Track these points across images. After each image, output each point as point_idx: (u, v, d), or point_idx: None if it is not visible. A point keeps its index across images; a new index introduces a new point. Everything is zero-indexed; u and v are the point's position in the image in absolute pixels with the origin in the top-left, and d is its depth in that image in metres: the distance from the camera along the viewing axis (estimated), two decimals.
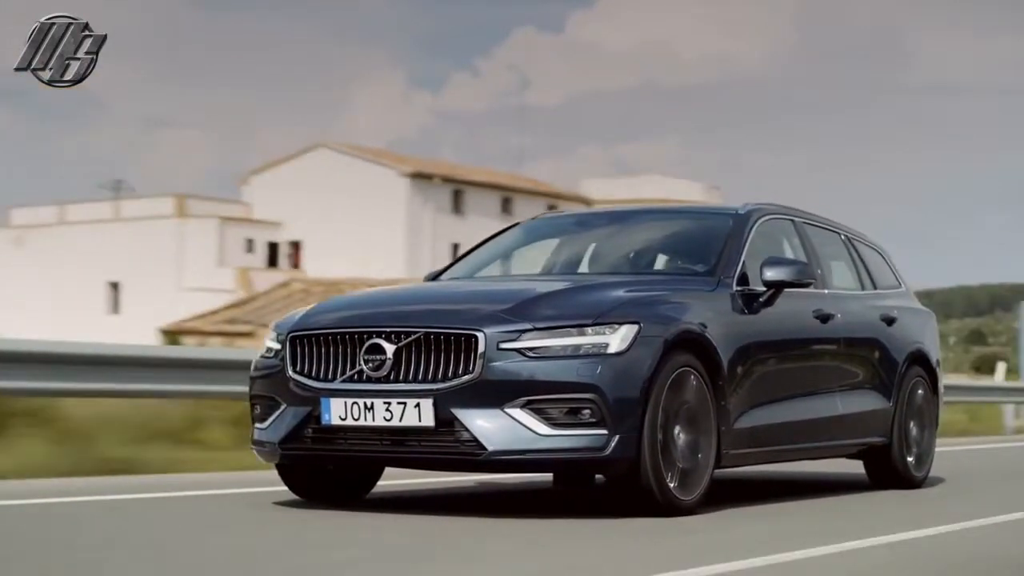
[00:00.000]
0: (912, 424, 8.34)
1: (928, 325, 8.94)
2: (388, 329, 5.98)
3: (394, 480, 7.48)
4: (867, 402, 7.91)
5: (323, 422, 6.04)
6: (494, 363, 5.81)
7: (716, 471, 6.43)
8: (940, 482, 8.88)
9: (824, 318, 7.51)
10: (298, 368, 6.18)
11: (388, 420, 5.90)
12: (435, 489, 7.69)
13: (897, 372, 8.18)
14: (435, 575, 4.60)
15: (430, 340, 5.90)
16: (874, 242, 8.98)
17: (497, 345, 5.83)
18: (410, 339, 5.92)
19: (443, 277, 7.61)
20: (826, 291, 7.74)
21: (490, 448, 5.78)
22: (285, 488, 6.69)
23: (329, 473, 6.63)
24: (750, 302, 6.86)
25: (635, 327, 5.96)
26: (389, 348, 5.92)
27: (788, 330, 7.16)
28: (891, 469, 8.21)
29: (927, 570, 5.08)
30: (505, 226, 8.19)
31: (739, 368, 6.57)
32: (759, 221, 7.38)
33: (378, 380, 5.93)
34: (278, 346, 6.36)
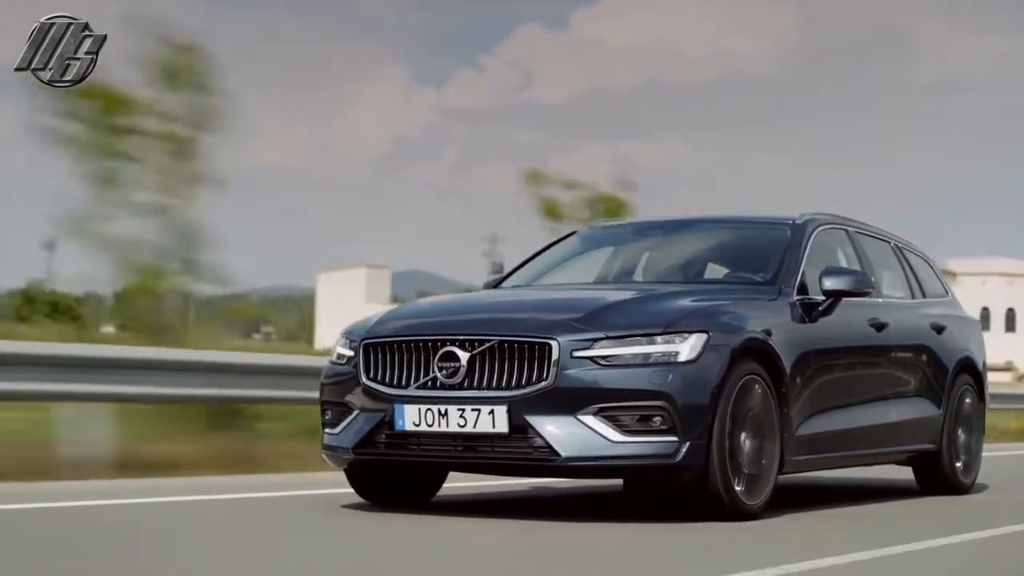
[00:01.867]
0: (960, 431, 8.45)
1: (974, 333, 9.05)
2: (462, 337, 6.10)
3: (457, 484, 7.59)
4: (919, 409, 8.03)
5: (396, 428, 6.17)
6: (567, 371, 5.94)
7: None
8: (984, 488, 8.98)
9: (879, 327, 7.63)
10: (371, 375, 6.30)
11: (462, 426, 6.02)
12: (501, 493, 7.81)
13: (947, 380, 8.30)
14: None
15: (504, 348, 6.02)
16: (921, 250, 9.10)
17: (570, 353, 5.96)
18: (484, 347, 6.04)
19: (504, 285, 7.73)
20: (880, 300, 7.85)
21: (563, 454, 5.91)
22: (348, 491, 6.81)
23: (397, 478, 6.75)
24: (810, 311, 6.98)
25: (704, 336, 6.09)
26: (463, 356, 6.05)
27: (846, 338, 7.28)
28: (940, 475, 8.33)
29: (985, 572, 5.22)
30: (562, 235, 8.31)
31: (801, 376, 6.69)
32: (816, 231, 7.50)
33: (452, 387, 6.06)
34: (350, 353, 6.48)
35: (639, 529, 6.04)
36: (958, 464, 8.41)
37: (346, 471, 6.70)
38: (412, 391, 6.15)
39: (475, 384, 6.03)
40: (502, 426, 5.96)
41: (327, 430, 6.60)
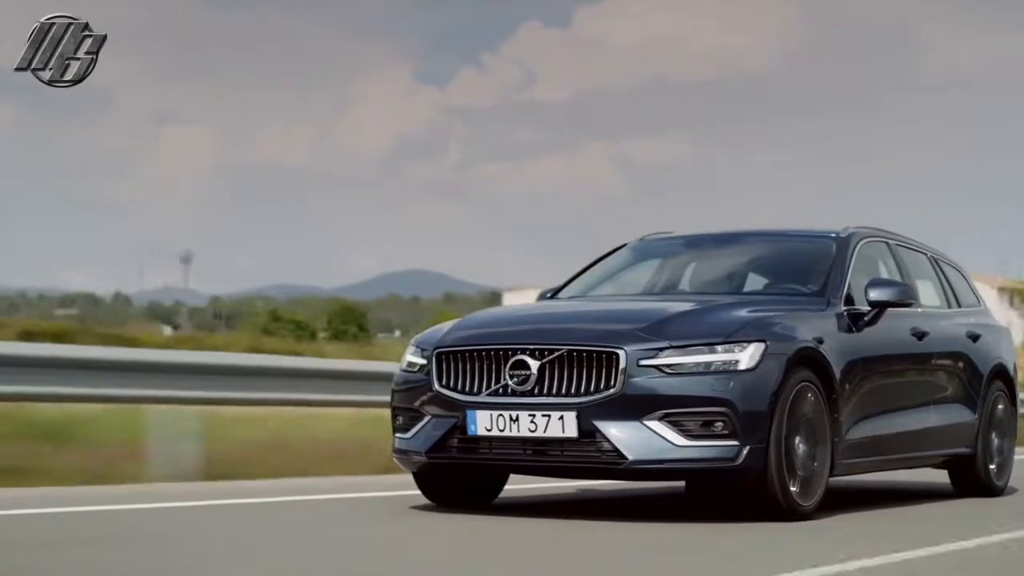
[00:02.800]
0: (994, 435, 8.80)
1: (1005, 340, 9.39)
2: (532, 346, 6.44)
3: (516, 486, 7.92)
4: (956, 415, 8.37)
5: (469, 432, 6.49)
6: (634, 379, 6.28)
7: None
8: (1015, 491, 9.28)
9: (920, 335, 7.97)
10: (444, 382, 6.62)
11: (533, 431, 6.35)
12: (559, 495, 8.13)
13: (981, 386, 8.65)
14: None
15: (573, 357, 6.35)
16: (954, 261, 9.44)
17: (637, 362, 6.30)
18: (554, 356, 6.37)
19: (560, 295, 8.06)
20: (919, 309, 8.19)
21: (630, 457, 6.24)
22: (415, 493, 7.13)
23: (464, 480, 7.08)
24: (856, 321, 7.32)
25: (762, 345, 6.43)
26: (534, 364, 6.38)
27: (890, 347, 7.62)
28: (975, 478, 8.67)
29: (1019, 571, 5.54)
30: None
31: (849, 383, 7.04)
32: (859, 244, 7.84)
33: (523, 394, 6.39)
34: (423, 361, 6.80)
35: (696, 529, 6.34)
36: (992, 467, 8.75)
37: (416, 474, 7.03)
38: (484, 397, 6.47)
39: (545, 391, 6.36)
40: (571, 431, 6.29)
41: (398, 435, 6.91)
